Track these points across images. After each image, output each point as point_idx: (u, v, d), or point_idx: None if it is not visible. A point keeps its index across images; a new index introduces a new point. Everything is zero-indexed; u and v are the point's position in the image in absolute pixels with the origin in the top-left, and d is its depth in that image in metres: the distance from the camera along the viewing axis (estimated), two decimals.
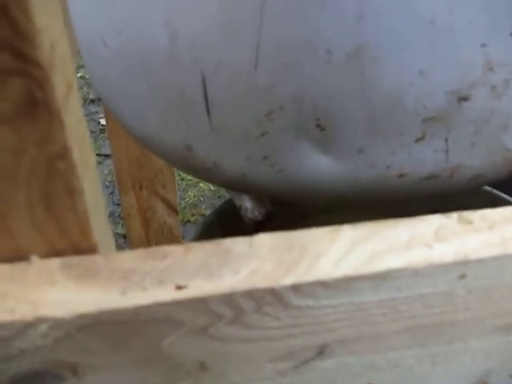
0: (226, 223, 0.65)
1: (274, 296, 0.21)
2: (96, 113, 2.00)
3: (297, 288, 0.21)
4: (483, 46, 0.32)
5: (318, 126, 0.36)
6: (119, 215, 1.54)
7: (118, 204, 1.53)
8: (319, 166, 0.39)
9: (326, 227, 0.25)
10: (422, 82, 0.33)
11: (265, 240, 0.23)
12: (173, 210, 1.10)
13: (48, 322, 0.20)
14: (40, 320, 0.20)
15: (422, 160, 0.37)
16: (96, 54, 0.43)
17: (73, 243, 0.22)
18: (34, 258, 0.22)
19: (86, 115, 2.01)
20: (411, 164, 0.38)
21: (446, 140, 0.36)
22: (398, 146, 0.36)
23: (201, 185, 1.73)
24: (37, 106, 0.17)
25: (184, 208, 1.64)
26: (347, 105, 0.35)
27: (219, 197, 1.70)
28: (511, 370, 0.30)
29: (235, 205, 0.61)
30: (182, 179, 1.71)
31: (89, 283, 0.21)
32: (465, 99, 0.34)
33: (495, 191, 0.64)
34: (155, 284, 0.21)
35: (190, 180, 1.73)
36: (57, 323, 0.20)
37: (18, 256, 0.22)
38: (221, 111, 0.38)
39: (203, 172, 0.44)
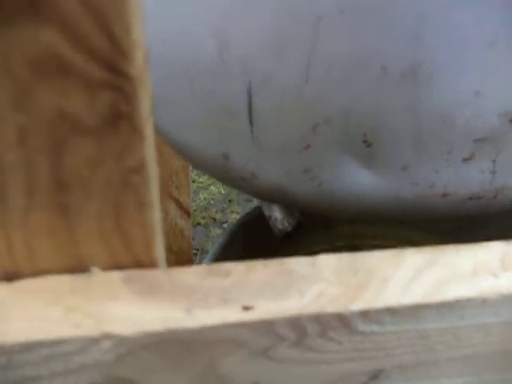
0: (250, 233, 0.64)
1: (340, 321, 0.21)
2: None
3: (365, 314, 0.21)
4: None
5: (365, 141, 0.36)
6: None
7: None
8: (361, 182, 0.38)
9: (387, 251, 0.24)
10: (476, 103, 0.32)
11: (328, 261, 0.23)
12: (185, 212, 1.10)
13: (113, 339, 0.19)
14: (105, 336, 0.19)
15: (468, 180, 0.37)
16: None
17: (135, 257, 0.22)
18: (96, 270, 0.22)
19: None
20: (456, 184, 0.37)
21: (494, 161, 0.36)
22: (444, 165, 0.36)
23: (212, 188, 1.73)
24: (121, 119, 0.17)
25: (195, 211, 1.63)
26: (396, 122, 0.34)
27: (230, 200, 1.70)
28: None
29: (261, 214, 0.60)
30: (193, 181, 1.70)
31: (153, 299, 0.21)
32: None
33: None
34: (220, 303, 0.21)
35: (201, 182, 1.73)
36: (122, 340, 0.19)
37: (78, 266, 0.22)
38: (264, 123, 0.37)
39: (240, 182, 0.43)
